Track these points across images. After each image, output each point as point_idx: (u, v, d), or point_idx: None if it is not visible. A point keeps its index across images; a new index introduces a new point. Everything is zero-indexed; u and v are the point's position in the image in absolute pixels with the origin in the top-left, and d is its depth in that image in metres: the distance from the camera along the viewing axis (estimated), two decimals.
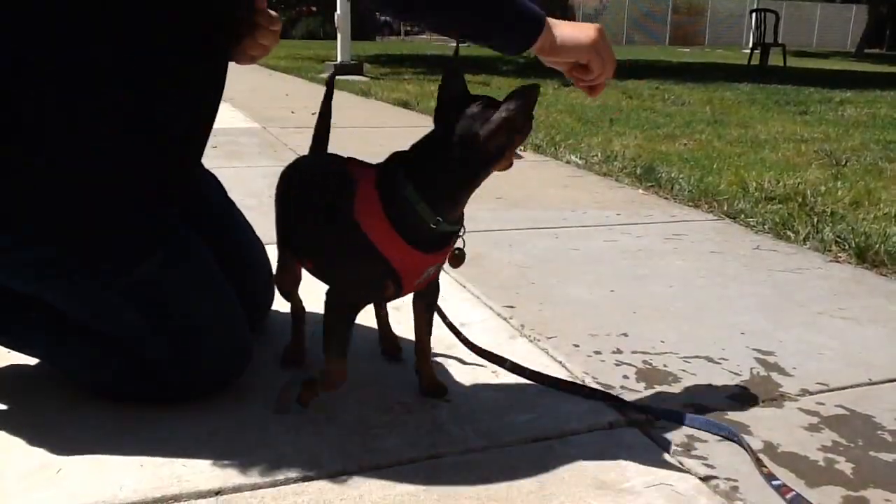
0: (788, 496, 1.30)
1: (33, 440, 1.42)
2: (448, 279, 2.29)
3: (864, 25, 30.64)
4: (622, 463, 1.41)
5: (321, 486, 1.30)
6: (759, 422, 1.58)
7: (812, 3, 37.00)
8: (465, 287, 2.30)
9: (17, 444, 1.41)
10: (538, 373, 1.69)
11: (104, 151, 1.43)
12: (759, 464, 1.39)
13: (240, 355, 1.60)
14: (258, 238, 1.94)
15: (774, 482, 1.34)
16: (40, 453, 1.38)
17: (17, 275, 1.50)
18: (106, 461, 1.36)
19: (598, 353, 1.89)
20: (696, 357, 1.88)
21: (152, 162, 1.49)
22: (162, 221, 1.53)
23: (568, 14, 21.73)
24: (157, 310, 1.51)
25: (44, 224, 1.44)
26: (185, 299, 1.54)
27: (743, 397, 1.68)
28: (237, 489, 1.29)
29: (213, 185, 1.90)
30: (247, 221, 1.93)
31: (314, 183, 1.55)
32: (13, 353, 1.69)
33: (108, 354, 1.56)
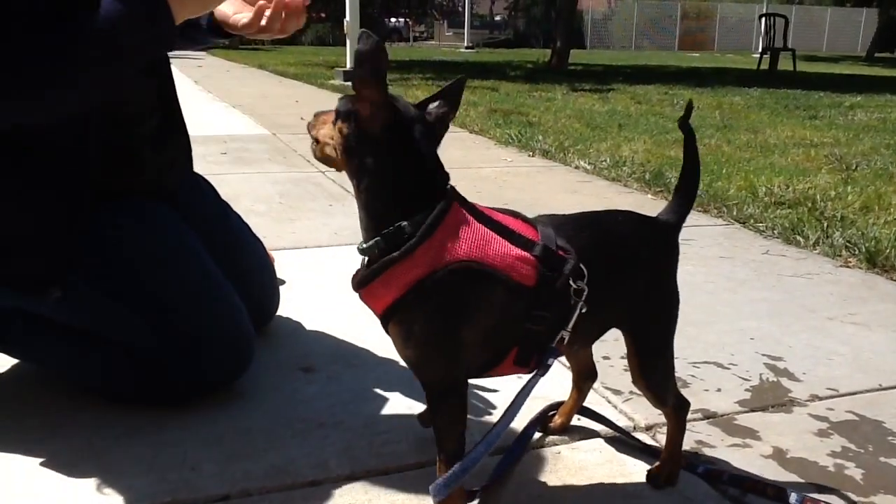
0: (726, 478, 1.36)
1: (42, 442, 1.43)
2: None
3: (875, 29, 30.52)
4: (630, 468, 1.40)
5: (329, 490, 1.31)
6: (769, 427, 1.57)
7: (822, 8, 36.91)
8: None
9: (25, 446, 1.42)
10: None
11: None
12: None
13: (241, 349, 1.60)
14: (258, 241, 1.95)
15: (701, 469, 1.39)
16: (49, 455, 1.39)
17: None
18: (115, 464, 1.37)
19: (606, 358, 1.88)
20: (706, 362, 1.88)
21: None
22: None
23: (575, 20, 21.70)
24: (157, 311, 1.53)
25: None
26: (184, 296, 1.56)
27: (752, 402, 1.68)
28: (246, 493, 1.30)
29: (206, 191, 1.90)
30: (245, 225, 1.94)
31: None
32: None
33: (111, 356, 1.57)
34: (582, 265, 1.15)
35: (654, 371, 1.31)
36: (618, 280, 1.22)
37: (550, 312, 1.14)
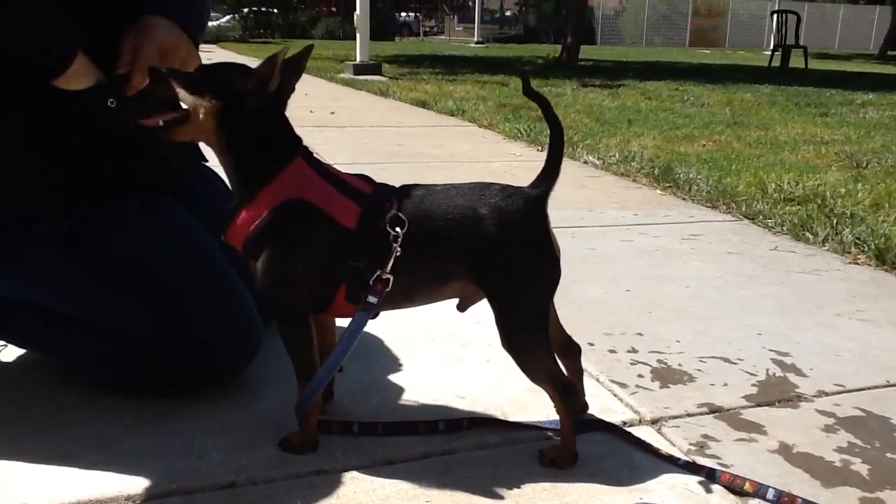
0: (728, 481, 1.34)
1: (51, 431, 1.44)
2: None
3: (888, 27, 30.31)
4: (636, 461, 1.40)
5: (334, 480, 1.31)
6: (775, 422, 1.57)
7: (834, 5, 36.66)
8: None
9: (35, 434, 1.43)
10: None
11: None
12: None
13: (248, 339, 1.60)
14: None
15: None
16: (58, 444, 1.40)
17: (22, 276, 1.55)
18: (123, 453, 1.38)
19: (613, 351, 1.88)
20: (712, 357, 1.88)
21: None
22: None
23: (587, 16, 21.59)
24: (165, 302, 1.53)
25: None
26: (191, 287, 1.56)
27: (758, 397, 1.68)
28: (252, 481, 1.30)
29: (215, 183, 1.89)
30: None
31: None
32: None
33: (116, 347, 1.57)
34: (404, 216, 1.27)
35: (513, 334, 1.31)
36: (451, 239, 1.28)
37: (369, 253, 1.28)
